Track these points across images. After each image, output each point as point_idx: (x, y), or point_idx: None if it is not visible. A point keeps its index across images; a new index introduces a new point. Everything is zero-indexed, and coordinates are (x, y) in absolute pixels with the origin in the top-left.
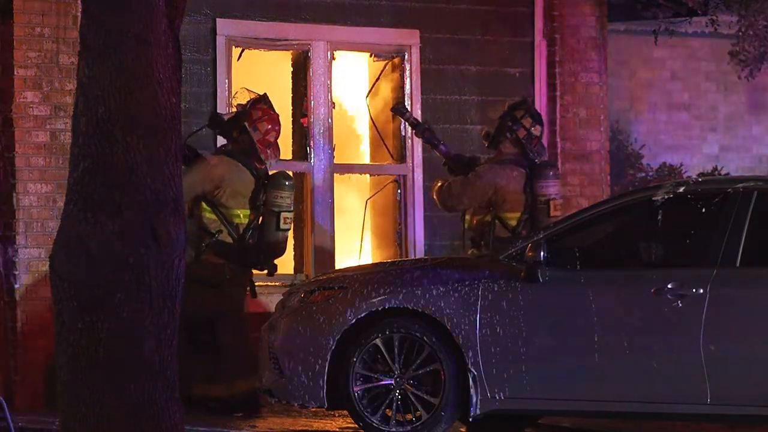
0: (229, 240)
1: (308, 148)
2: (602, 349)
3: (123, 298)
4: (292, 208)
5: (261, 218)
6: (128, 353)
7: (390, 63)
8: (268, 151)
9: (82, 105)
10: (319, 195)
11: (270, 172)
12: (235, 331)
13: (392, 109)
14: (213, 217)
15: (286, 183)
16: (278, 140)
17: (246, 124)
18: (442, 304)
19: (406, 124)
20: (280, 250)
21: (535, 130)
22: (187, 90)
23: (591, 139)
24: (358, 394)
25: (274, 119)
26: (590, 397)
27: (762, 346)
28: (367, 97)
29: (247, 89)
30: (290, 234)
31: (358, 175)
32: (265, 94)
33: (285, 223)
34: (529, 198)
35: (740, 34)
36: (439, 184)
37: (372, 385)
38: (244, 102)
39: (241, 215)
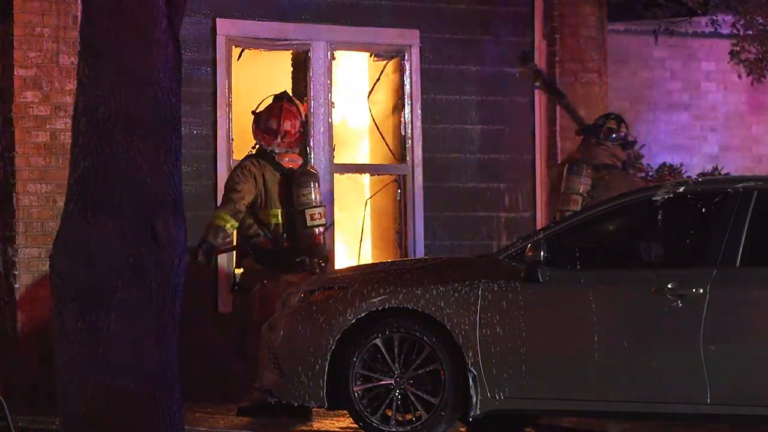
0: (267, 244)
1: (308, 148)
2: (602, 349)
3: (123, 299)
4: (318, 203)
5: (291, 218)
6: (128, 353)
7: (390, 63)
8: (276, 141)
9: (82, 105)
10: None
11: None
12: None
13: (521, 61)
14: (250, 220)
15: (310, 181)
16: (297, 132)
17: (254, 122)
18: (442, 304)
19: (411, 121)
20: (317, 247)
21: None
22: (187, 90)
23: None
24: (358, 394)
25: (276, 110)
26: (590, 397)
27: (762, 346)
28: (367, 97)
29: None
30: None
31: (358, 174)
32: (283, 92)
33: (313, 219)
34: None
35: (738, 33)
36: None
37: (372, 385)
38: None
39: (279, 215)
